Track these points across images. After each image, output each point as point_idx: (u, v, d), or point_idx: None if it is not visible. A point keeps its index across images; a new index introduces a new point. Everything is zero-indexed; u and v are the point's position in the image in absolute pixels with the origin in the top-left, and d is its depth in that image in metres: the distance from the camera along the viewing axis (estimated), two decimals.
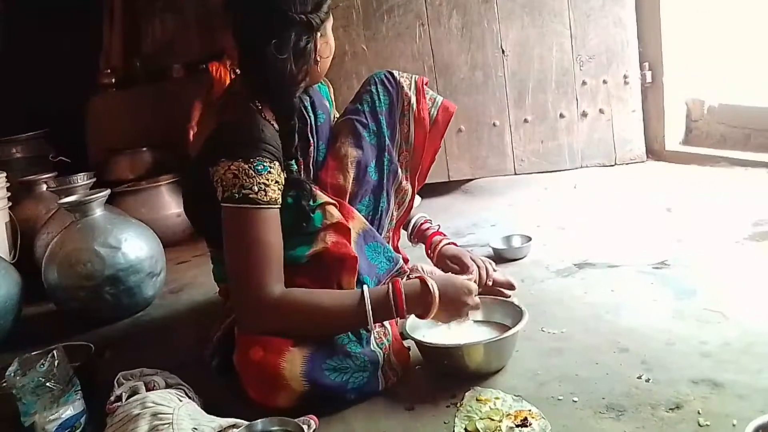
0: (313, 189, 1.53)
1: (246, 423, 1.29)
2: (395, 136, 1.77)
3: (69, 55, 4.09)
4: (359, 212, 1.65)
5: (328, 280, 1.51)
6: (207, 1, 4.31)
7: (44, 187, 2.90)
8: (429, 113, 1.79)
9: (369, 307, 1.39)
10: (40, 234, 2.65)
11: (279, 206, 1.42)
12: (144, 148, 3.70)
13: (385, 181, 1.74)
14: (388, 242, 1.81)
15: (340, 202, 1.59)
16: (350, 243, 1.53)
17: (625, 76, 3.11)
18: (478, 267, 1.86)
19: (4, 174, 2.69)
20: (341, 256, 1.50)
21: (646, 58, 3.12)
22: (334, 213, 1.52)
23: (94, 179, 2.73)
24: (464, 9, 3.11)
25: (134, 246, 2.26)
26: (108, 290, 2.19)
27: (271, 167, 1.40)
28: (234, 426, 1.30)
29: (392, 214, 1.81)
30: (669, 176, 2.91)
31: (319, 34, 1.49)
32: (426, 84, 1.81)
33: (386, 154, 1.73)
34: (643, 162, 3.16)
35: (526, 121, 3.19)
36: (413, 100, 1.77)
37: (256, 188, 1.37)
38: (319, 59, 1.51)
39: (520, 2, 3.08)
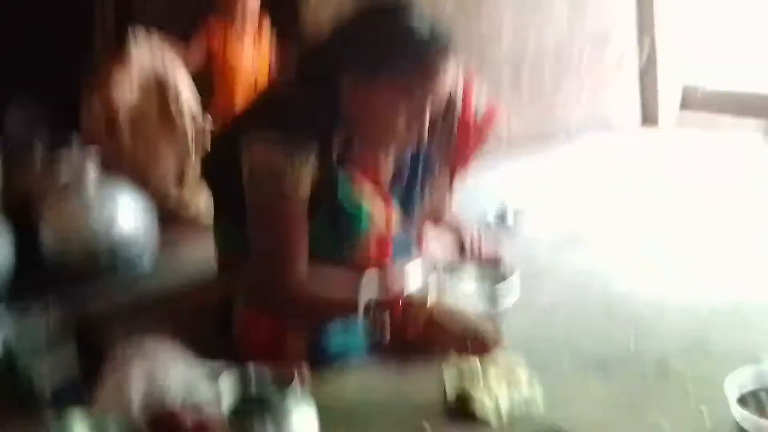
0: (359, 182, 1.42)
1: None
2: None
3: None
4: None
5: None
6: None
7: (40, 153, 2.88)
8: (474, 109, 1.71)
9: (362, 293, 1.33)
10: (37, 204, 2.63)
11: (309, 194, 1.35)
12: None
13: (420, 171, 1.64)
14: (416, 234, 1.73)
15: (386, 197, 1.48)
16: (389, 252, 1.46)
17: (622, 55, 3.10)
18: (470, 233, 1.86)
19: None
20: (378, 263, 1.44)
21: (642, 37, 3.12)
22: (380, 218, 1.43)
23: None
24: None
25: (130, 217, 2.26)
26: (103, 259, 2.19)
27: (309, 156, 1.32)
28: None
29: (425, 207, 1.72)
30: (664, 149, 2.94)
31: None
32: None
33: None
34: (637, 137, 3.17)
35: (522, 99, 3.17)
36: (459, 93, 1.67)
37: (288, 179, 1.32)
38: None
39: None
